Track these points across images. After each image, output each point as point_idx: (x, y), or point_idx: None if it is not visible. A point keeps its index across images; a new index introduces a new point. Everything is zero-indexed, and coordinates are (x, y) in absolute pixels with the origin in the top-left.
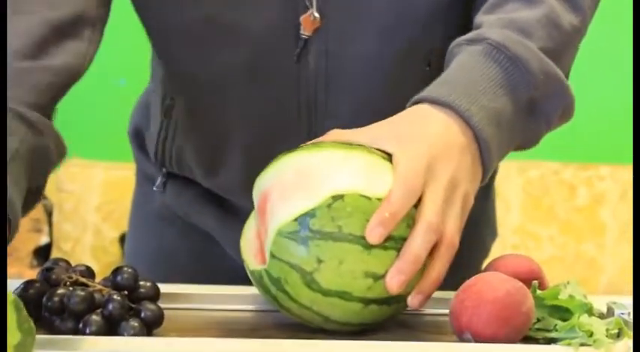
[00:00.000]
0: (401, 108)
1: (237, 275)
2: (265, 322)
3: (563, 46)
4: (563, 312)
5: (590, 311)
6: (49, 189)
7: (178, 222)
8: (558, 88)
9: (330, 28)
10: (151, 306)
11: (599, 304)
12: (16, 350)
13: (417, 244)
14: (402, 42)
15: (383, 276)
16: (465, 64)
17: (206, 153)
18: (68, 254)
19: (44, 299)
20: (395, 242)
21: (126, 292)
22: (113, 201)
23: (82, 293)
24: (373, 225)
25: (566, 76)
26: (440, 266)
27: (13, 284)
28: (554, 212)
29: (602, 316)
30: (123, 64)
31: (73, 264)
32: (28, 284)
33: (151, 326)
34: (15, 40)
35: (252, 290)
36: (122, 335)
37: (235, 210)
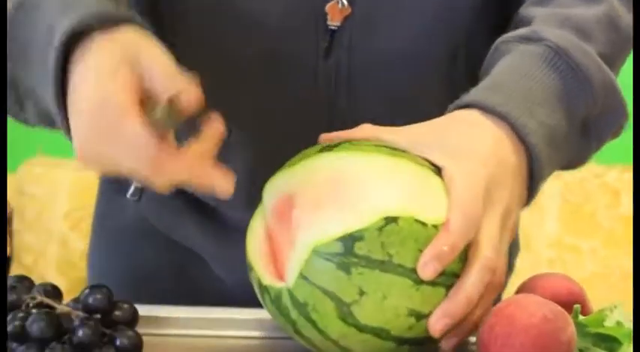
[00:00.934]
0: (427, 110)
1: (226, 298)
2: (262, 351)
3: (620, 51)
4: (609, 342)
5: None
6: (8, 193)
7: (157, 237)
8: (617, 104)
9: (356, 18)
10: (128, 332)
11: None
12: None
13: (472, 284)
14: (437, 39)
15: (426, 316)
16: (520, 67)
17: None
18: (30, 269)
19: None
20: (445, 278)
21: (99, 315)
22: (83, 207)
23: (47, 316)
24: (428, 258)
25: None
26: (482, 308)
27: None
28: (596, 221)
29: None
30: None
31: (36, 282)
32: None
33: None
34: None
35: (246, 313)
36: None
37: (228, 223)
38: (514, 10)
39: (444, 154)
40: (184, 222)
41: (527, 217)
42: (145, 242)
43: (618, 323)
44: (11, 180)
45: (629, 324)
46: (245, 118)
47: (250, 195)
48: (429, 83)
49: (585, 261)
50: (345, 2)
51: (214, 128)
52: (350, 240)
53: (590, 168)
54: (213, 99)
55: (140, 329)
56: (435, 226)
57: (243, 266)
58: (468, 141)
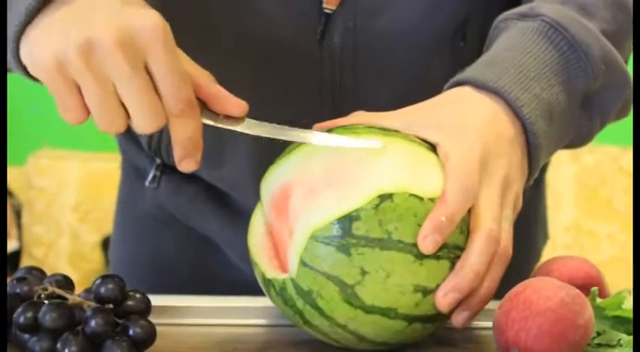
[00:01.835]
0: (434, 90)
1: (242, 286)
2: (277, 339)
3: (627, 29)
4: (628, 324)
5: None
6: (17, 186)
7: (174, 224)
8: (619, 79)
9: (356, 0)
10: (141, 322)
11: None
12: None
13: (477, 256)
14: (441, 15)
15: (433, 291)
16: (516, 43)
17: (210, 140)
18: (41, 261)
19: (15, 315)
20: (448, 251)
21: (111, 305)
22: (92, 199)
23: (60, 307)
24: (428, 230)
25: (625, 63)
26: (491, 280)
27: None
28: (613, 205)
29: None
30: None
31: (48, 273)
32: None
33: (140, 346)
34: None
35: (260, 301)
36: None
37: (242, 210)
38: None
39: (438, 131)
40: (200, 209)
41: None
42: (164, 230)
43: None
44: (20, 174)
45: None
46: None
47: (257, 180)
48: (436, 63)
49: (603, 246)
50: None
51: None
52: (347, 221)
53: (607, 151)
54: None
55: (153, 319)
56: (432, 199)
57: None
58: (462, 116)
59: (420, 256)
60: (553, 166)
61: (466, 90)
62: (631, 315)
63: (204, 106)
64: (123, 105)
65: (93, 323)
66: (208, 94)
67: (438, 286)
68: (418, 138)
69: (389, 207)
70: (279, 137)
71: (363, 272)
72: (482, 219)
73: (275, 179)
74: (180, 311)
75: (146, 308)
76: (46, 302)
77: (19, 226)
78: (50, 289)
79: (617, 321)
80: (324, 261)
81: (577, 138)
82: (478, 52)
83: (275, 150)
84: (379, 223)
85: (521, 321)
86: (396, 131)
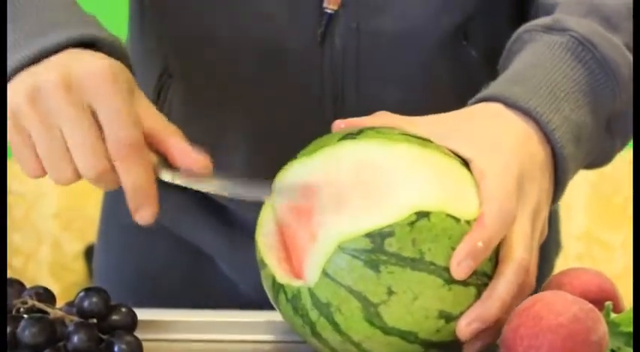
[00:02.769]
0: (439, 94)
1: (236, 300)
2: None
3: None
4: None
5: None
6: None
7: (163, 233)
8: None
9: (358, 1)
10: (127, 338)
11: None
12: None
13: (506, 286)
14: (445, 13)
15: (455, 318)
16: (544, 59)
17: (204, 145)
18: (19, 272)
19: None
20: (476, 277)
21: (95, 320)
22: (75, 207)
23: (40, 322)
24: (462, 255)
25: None
26: (508, 313)
27: None
28: (627, 213)
29: None
30: None
31: (28, 285)
32: None
33: None
34: None
35: (255, 316)
36: None
37: (237, 220)
38: None
39: (470, 146)
40: (190, 217)
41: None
42: (151, 239)
43: None
44: None
45: None
46: (246, 109)
47: None
48: (439, 64)
49: (616, 257)
50: None
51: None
52: (379, 236)
53: (621, 155)
54: (207, 87)
55: (140, 335)
56: (468, 222)
57: (255, 267)
58: (495, 133)
59: (450, 281)
60: None
61: (496, 107)
62: None
63: (165, 162)
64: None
65: (75, 339)
66: (167, 148)
67: (461, 313)
68: (450, 151)
69: (425, 226)
70: (241, 197)
71: (390, 292)
72: (514, 247)
73: (297, 175)
74: (168, 326)
75: (132, 323)
76: (25, 316)
77: None
78: (30, 302)
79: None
80: (349, 274)
81: (597, 160)
82: (480, 51)
83: (275, 161)
84: (413, 242)
85: (530, 338)
86: (431, 142)
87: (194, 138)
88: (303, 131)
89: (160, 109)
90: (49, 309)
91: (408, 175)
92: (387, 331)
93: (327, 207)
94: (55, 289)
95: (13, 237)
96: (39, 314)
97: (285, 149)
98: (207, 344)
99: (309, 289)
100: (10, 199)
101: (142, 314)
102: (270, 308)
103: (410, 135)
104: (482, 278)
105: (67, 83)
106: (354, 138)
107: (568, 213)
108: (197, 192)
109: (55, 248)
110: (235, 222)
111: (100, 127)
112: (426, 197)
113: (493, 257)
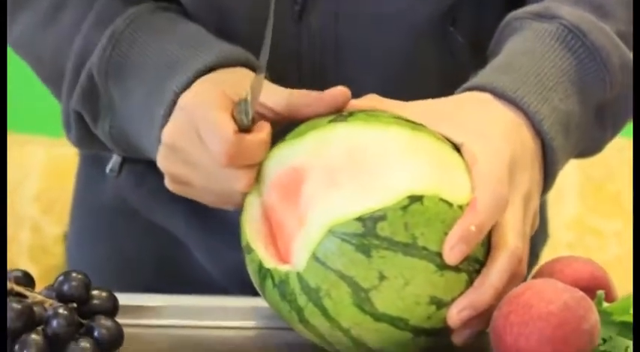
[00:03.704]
0: (427, 79)
1: (212, 287)
2: (256, 342)
3: None
4: None
5: None
6: None
7: (137, 218)
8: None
9: None
10: (107, 323)
11: None
12: None
13: (499, 274)
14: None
15: (446, 304)
16: (533, 46)
17: None
18: None
19: None
20: (467, 263)
21: (75, 304)
22: (56, 188)
23: (19, 306)
24: (455, 240)
25: None
26: (498, 301)
27: None
28: (619, 201)
29: None
30: None
31: (7, 269)
32: None
33: (106, 348)
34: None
35: (235, 301)
36: None
37: (210, 207)
38: None
39: (461, 131)
40: (164, 203)
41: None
42: (125, 224)
43: None
44: None
45: None
46: None
47: None
48: (424, 49)
49: (609, 245)
50: None
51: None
52: (371, 220)
53: (615, 142)
54: None
55: (120, 320)
56: (461, 206)
57: (228, 255)
58: (485, 120)
59: (442, 266)
60: None
61: (485, 97)
62: None
63: None
64: None
65: (55, 323)
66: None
67: (452, 300)
68: (442, 136)
69: (418, 210)
70: None
71: (381, 277)
72: (508, 234)
73: (284, 158)
74: (150, 311)
75: (113, 308)
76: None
77: None
78: (9, 286)
79: (625, 327)
80: (339, 258)
81: (587, 149)
82: (468, 37)
83: None
84: (405, 226)
85: (520, 326)
86: (422, 125)
87: None
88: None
89: None
90: (27, 293)
91: (400, 159)
92: (377, 317)
93: (317, 190)
94: (34, 272)
95: None
96: (17, 298)
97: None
98: (190, 330)
99: (298, 274)
100: None
101: (123, 299)
102: (245, 294)
103: (401, 119)
104: (473, 265)
105: None
106: (345, 120)
107: (559, 201)
108: None
109: (35, 231)
110: (209, 209)
111: None
112: (419, 181)
113: (485, 242)
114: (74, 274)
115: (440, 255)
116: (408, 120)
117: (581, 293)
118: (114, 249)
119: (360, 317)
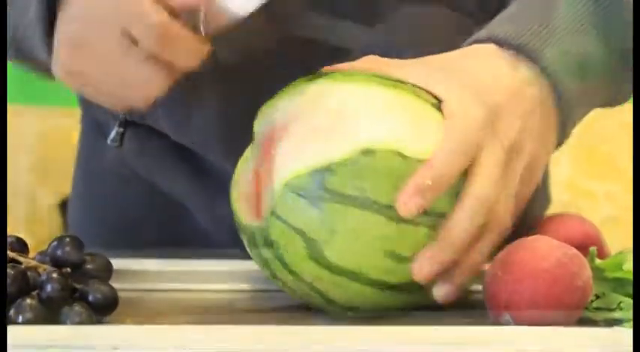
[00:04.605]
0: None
1: (213, 249)
2: (251, 305)
3: None
4: (628, 287)
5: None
6: None
7: (138, 182)
8: None
9: None
10: (101, 287)
11: None
12: None
13: (461, 226)
14: None
15: (408, 259)
16: None
17: (175, 102)
18: None
19: None
20: (429, 218)
21: (69, 269)
22: (51, 159)
23: (12, 271)
24: (409, 193)
25: None
26: (478, 253)
27: None
28: (613, 162)
29: None
30: None
31: None
32: None
33: (101, 312)
34: None
35: (233, 265)
36: (65, 323)
37: (213, 171)
38: None
39: (447, 85)
40: (167, 168)
41: None
42: (127, 188)
43: None
44: None
45: None
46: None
47: (226, 140)
48: (433, 14)
49: (601, 205)
50: None
51: None
52: (321, 174)
53: None
54: None
55: (115, 284)
56: (420, 161)
57: (230, 216)
58: (478, 72)
59: (396, 219)
60: None
61: (488, 48)
62: (632, 277)
63: None
64: None
65: (49, 288)
66: None
67: (413, 255)
68: (430, 93)
69: (368, 163)
70: None
71: (332, 231)
72: (474, 183)
73: (268, 117)
74: (144, 276)
75: (107, 272)
76: None
77: None
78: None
79: (618, 283)
80: (293, 212)
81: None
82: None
83: (244, 107)
84: (355, 179)
85: (513, 283)
86: (403, 83)
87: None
88: (281, 73)
89: None
90: (21, 258)
91: (366, 115)
92: (333, 270)
93: (286, 147)
94: (29, 242)
95: None
96: (11, 264)
97: (260, 92)
98: (184, 294)
99: (261, 229)
100: None
101: (118, 263)
102: (245, 257)
103: (378, 77)
104: (436, 219)
105: None
106: (321, 77)
107: (552, 163)
108: (174, 141)
109: (30, 201)
110: (209, 172)
111: None
112: (375, 135)
113: (456, 197)
114: (68, 239)
115: (392, 207)
116: (390, 79)
117: (574, 250)
118: (117, 212)
119: (318, 270)
